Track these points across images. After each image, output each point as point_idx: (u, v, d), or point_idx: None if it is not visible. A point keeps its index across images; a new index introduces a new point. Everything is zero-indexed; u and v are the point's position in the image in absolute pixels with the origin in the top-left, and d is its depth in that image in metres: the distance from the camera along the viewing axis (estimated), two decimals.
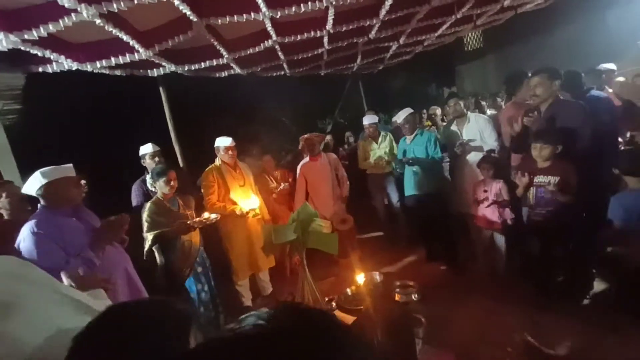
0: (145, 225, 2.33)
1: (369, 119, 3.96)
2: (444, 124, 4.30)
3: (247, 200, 2.92)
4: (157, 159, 2.98)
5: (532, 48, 6.86)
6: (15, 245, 1.59)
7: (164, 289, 2.36)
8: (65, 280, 1.02)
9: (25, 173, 1.81)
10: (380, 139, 3.92)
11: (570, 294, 2.35)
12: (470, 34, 8.64)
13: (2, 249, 1.63)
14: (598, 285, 2.43)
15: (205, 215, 2.52)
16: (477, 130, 3.06)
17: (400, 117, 3.35)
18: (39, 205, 1.74)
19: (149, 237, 2.32)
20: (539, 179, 2.32)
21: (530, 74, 2.55)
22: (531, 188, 2.36)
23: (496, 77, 7.78)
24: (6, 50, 1.99)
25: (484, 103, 4.93)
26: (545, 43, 6.65)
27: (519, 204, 2.60)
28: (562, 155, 2.25)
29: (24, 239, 1.56)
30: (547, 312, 2.22)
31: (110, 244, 1.78)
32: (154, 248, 2.35)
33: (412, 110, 3.38)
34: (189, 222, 2.39)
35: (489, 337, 2.15)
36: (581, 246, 2.38)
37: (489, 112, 4.50)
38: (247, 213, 2.87)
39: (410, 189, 3.32)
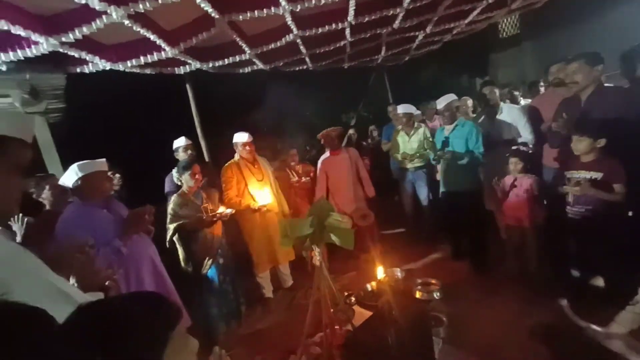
0: (168, 216, 2.45)
1: (403, 108, 3.69)
2: (474, 115, 4.09)
3: (261, 194, 2.96)
4: (189, 151, 3.13)
5: (574, 34, 6.29)
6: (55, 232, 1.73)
7: (187, 278, 2.48)
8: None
9: (68, 167, 1.96)
10: (412, 131, 3.72)
11: (611, 301, 2.16)
12: (505, 20, 8.07)
13: (44, 236, 1.79)
14: None
15: (221, 209, 2.58)
16: (510, 122, 2.88)
17: (441, 103, 2.99)
18: (74, 196, 1.88)
19: (170, 228, 2.43)
20: (580, 174, 2.14)
21: (567, 61, 2.34)
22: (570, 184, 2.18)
23: (534, 65, 7.23)
24: (47, 52, 2.15)
25: (516, 93, 4.62)
26: (588, 29, 6.07)
27: (555, 201, 2.42)
28: (608, 150, 2.05)
29: (60, 227, 1.70)
30: (581, 319, 2.07)
31: (137, 234, 1.89)
32: (174, 239, 2.47)
33: (455, 97, 3.02)
34: (204, 217, 2.47)
35: (515, 340, 2.04)
36: (626, 248, 2.18)
37: (522, 102, 4.21)
38: (259, 209, 2.91)
39: (445, 185, 3.13)
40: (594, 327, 2.01)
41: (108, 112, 4.08)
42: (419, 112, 4.32)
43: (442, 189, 3.18)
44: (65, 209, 1.81)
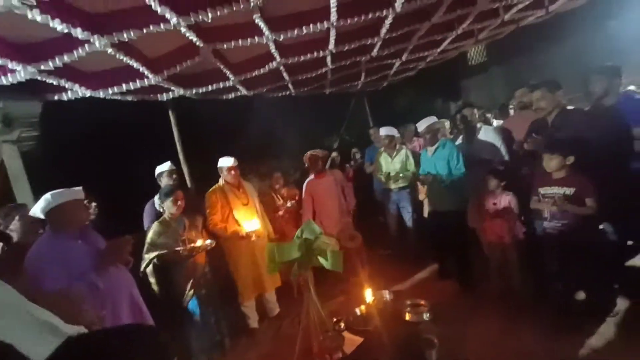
0: (145, 245, 2.34)
1: (385, 130, 3.80)
2: (451, 136, 4.27)
3: (248, 221, 2.91)
4: (174, 176, 3.05)
5: (536, 59, 6.88)
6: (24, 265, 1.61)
7: (166, 311, 2.33)
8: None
9: (39, 197, 1.86)
10: (395, 153, 3.82)
11: (591, 313, 2.21)
12: (473, 49, 8.71)
13: (12, 270, 1.66)
14: (622, 304, 2.28)
15: (198, 243, 2.49)
16: (488, 142, 3.03)
17: (422, 125, 3.10)
18: (47, 227, 1.77)
19: (145, 258, 2.32)
20: (553, 190, 2.25)
21: (530, 88, 2.55)
22: (544, 200, 2.29)
23: (502, 89, 7.76)
24: (24, 80, 2.10)
25: (488, 115, 4.90)
26: (548, 54, 6.67)
27: (532, 217, 2.52)
28: (577, 166, 2.19)
29: (30, 260, 1.58)
30: (566, 333, 2.10)
31: (114, 266, 1.79)
32: (147, 270, 2.34)
33: (435, 119, 3.12)
34: (180, 251, 2.37)
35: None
36: (602, 261, 2.27)
37: (495, 123, 4.46)
38: (247, 235, 2.85)
39: (431, 204, 3.19)
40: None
41: (85, 140, 3.97)
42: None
43: (428, 209, 3.24)
44: (37, 241, 1.69)
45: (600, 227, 2.34)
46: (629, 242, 2.61)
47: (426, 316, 2.29)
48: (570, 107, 2.47)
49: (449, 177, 2.93)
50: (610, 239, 2.47)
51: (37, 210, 1.74)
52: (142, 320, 1.90)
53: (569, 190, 2.17)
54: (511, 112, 4.37)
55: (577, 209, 2.14)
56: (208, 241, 2.51)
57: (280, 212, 3.36)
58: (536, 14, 3.84)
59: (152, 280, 2.38)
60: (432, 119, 3.10)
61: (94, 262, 1.69)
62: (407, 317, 2.33)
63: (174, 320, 2.35)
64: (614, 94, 2.38)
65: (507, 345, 2.14)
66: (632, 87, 2.72)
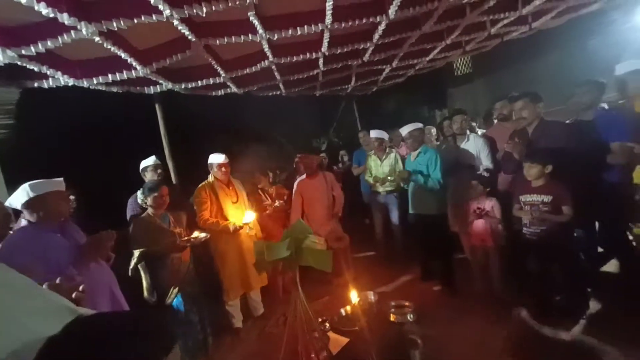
0: (132, 241, 2.27)
1: (375, 133, 3.85)
2: (438, 143, 4.37)
3: (241, 215, 2.87)
4: (159, 171, 2.98)
5: (518, 73, 7.17)
6: None
7: (149, 308, 2.27)
8: None
9: (13, 188, 1.77)
10: (384, 156, 3.86)
11: (567, 314, 2.32)
12: (459, 60, 8.99)
13: None
14: (594, 306, 2.40)
15: (195, 234, 2.46)
16: (475, 150, 3.13)
17: (404, 130, 3.22)
18: (21, 219, 1.69)
19: (135, 254, 2.25)
20: (532, 197, 2.36)
21: (513, 98, 2.66)
22: (525, 207, 2.39)
23: (485, 100, 8.03)
24: (2, 65, 2.00)
25: (474, 124, 5.06)
26: (530, 68, 6.96)
27: (513, 222, 2.62)
28: (555, 175, 2.30)
29: (5, 253, 1.50)
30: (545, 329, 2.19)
31: (94, 261, 1.72)
32: (139, 266, 2.28)
33: (420, 125, 3.22)
34: (177, 242, 2.34)
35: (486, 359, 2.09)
36: (575, 265, 2.39)
37: (479, 131, 4.61)
38: (241, 227, 2.81)
39: (411, 207, 3.28)
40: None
41: (65, 131, 3.80)
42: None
43: (410, 211, 3.31)
44: (13, 233, 1.61)
45: (575, 234, 2.47)
46: (599, 249, 2.76)
47: (410, 317, 2.33)
48: (548, 119, 2.59)
49: (427, 182, 3.04)
50: (583, 245, 2.62)
51: (14, 201, 1.65)
52: None
53: (547, 198, 2.28)
54: (495, 121, 4.53)
55: (553, 217, 2.25)
56: (203, 234, 2.47)
57: (268, 211, 3.33)
58: (520, 29, 4.01)
59: (144, 276, 2.31)
60: (415, 125, 3.19)
61: (74, 257, 1.62)
62: (392, 317, 2.36)
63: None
64: (594, 108, 2.52)
65: (489, 344, 2.21)
66: (604, 105, 2.88)
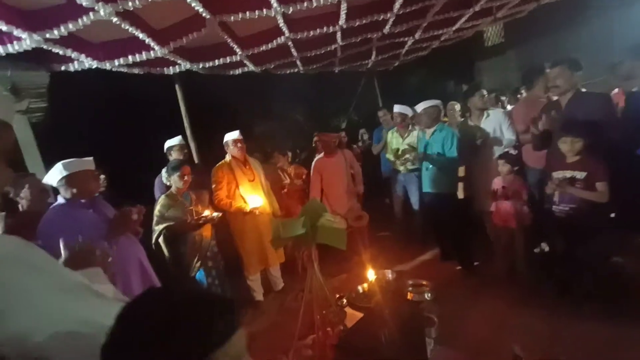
0: (154, 218, 2.39)
1: (398, 108, 3.72)
2: (462, 120, 4.17)
3: (252, 197, 2.93)
4: (185, 151, 3.08)
5: (556, 43, 6.56)
6: (37, 233, 1.66)
7: (175, 280, 2.42)
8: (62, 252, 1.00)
9: (50, 167, 1.89)
10: (407, 133, 3.72)
11: (595, 297, 2.22)
12: (490, 28, 8.35)
13: (24, 238, 1.71)
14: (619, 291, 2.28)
15: (206, 213, 2.54)
16: (496, 125, 2.96)
17: (420, 107, 3.09)
18: (58, 196, 1.81)
19: (156, 230, 2.38)
20: (565, 174, 2.22)
21: (550, 65, 2.44)
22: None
23: (517, 73, 7.50)
24: (30, 49, 2.08)
25: (503, 98, 4.76)
26: (570, 37, 6.34)
27: (540, 201, 2.49)
28: (591, 150, 2.14)
29: (43, 228, 1.63)
30: (567, 315, 2.12)
31: (123, 235, 1.83)
32: (160, 241, 2.40)
33: (437, 103, 3.10)
34: (189, 220, 2.42)
35: (504, 339, 2.07)
36: (607, 247, 2.25)
37: (508, 107, 4.34)
38: (251, 211, 2.87)
39: (425, 186, 3.19)
40: None
41: (93, 113, 3.97)
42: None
43: (424, 190, 3.23)
44: (49, 209, 1.74)
45: (612, 215, 2.30)
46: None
47: (428, 296, 2.33)
48: (585, 91, 2.38)
49: (442, 161, 2.95)
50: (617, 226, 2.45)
51: (50, 178, 1.77)
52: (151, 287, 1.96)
53: (581, 175, 2.13)
54: (523, 94, 4.22)
55: (583, 193, 2.11)
56: (215, 213, 2.55)
57: (285, 190, 3.37)
58: None
59: (165, 250, 2.45)
60: (432, 102, 3.08)
61: (105, 231, 1.74)
62: (409, 296, 2.37)
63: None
64: None
65: (508, 324, 2.17)
66: None
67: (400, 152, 3.67)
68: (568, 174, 2.19)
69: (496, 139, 2.93)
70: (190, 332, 0.50)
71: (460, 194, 2.90)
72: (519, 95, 4.65)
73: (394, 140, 3.81)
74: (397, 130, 3.80)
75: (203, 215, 2.50)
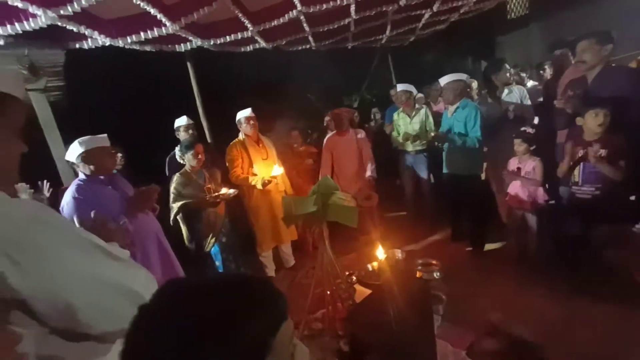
0: (171, 195, 2.46)
1: (401, 86, 3.63)
2: (478, 97, 4.02)
3: (270, 171, 2.96)
4: (190, 131, 3.11)
5: (585, 15, 6.11)
6: (60, 209, 1.74)
7: (191, 255, 2.52)
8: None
9: (68, 145, 1.95)
10: (414, 112, 3.65)
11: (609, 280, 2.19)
12: None
13: None
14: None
15: (223, 190, 2.59)
16: (517, 102, 2.85)
17: (443, 80, 2.89)
18: (79, 173, 1.88)
19: (174, 207, 2.45)
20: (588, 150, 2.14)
21: (577, 39, 2.29)
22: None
23: (541, 47, 7.07)
24: (45, 26, 2.10)
25: (523, 75, 4.54)
26: (600, 9, 5.89)
27: (557, 184, 2.42)
28: (614, 127, 2.05)
29: (66, 203, 1.71)
30: (580, 296, 2.11)
31: (142, 212, 1.90)
32: (178, 217, 2.49)
33: (463, 77, 2.88)
34: (207, 198, 2.48)
35: (512, 318, 2.09)
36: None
37: (529, 84, 4.14)
38: (270, 182, 2.88)
39: (445, 167, 3.12)
40: None
41: (108, 92, 4.02)
42: (421, 94, 4.25)
43: (444, 170, 3.17)
44: (71, 185, 1.81)
45: (632, 198, 2.23)
46: None
47: (437, 275, 2.35)
48: (614, 65, 2.24)
49: (465, 141, 2.81)
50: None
51: (70, 155, 1.84)
52: (171, 262, 2.06)
53: (603, 152, 2.06)
54: (547, 70, 4.00)
55: (607, 169, 2.04)
56: (231, 190, 2.60)
57: (300, 160, 3.39)
58: None
59: (183, 227, 2.54)
60: (457, 75, 2.88)
61: (124, 207, 1.81)
62: (418, 274, 2.40)
63: (198, 264, 2.54)
64: None
65: (517, 303, 2.19)
66: None
67: (410, 135, 3.59)
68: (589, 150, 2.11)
69: (526, 109, 2.83)
70: (252, 320, 0.50)
71: (483, 175, 2.84)
72: (541, 72, 4.41)
73: (401, 121, 3.73)
74: (403, 110, 3.70)
75: (221, 192, 2.56)
